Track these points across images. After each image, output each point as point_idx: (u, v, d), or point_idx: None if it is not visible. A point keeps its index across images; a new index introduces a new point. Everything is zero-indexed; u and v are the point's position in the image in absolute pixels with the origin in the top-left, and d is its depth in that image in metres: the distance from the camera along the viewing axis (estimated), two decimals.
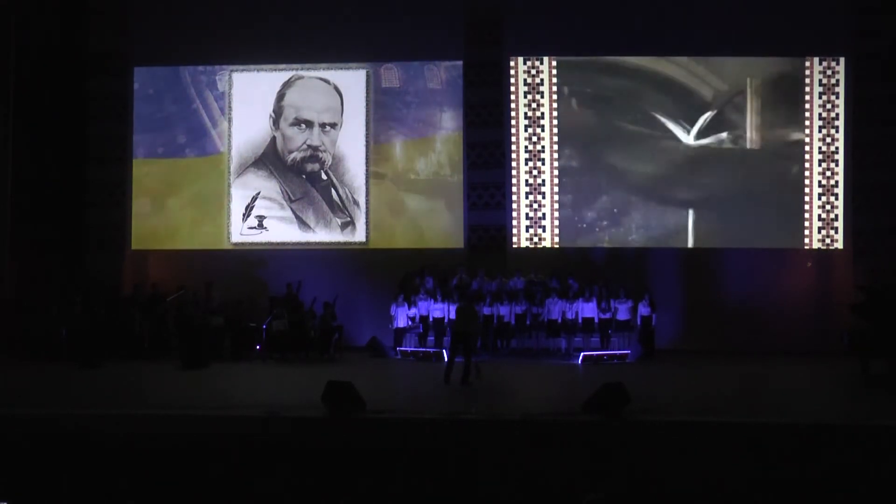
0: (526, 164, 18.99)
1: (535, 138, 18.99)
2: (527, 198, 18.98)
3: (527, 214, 18.99)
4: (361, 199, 19.22)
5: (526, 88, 19.03)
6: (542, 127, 18.98)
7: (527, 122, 19.02)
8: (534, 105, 18.99)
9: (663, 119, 18.84)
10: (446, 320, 16.88)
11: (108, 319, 16.89)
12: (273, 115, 19.41)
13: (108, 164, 19.14)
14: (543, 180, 18.94)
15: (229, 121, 19.47)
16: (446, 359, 16.45)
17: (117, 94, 19.30)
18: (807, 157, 18.70)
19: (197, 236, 19.44)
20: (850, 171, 18.50)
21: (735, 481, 9.02)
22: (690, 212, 18.76)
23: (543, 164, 18.96)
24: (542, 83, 19.00)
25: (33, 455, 9.58)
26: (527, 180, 18.99)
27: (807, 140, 18.71)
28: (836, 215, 18.62)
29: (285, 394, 12.77)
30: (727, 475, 9.14)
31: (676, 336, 18.08)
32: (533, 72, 19.02)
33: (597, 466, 9.36)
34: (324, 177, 19.29)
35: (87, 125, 19.15)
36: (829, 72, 18.71)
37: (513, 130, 18.98)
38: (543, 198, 18.94)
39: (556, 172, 18.92)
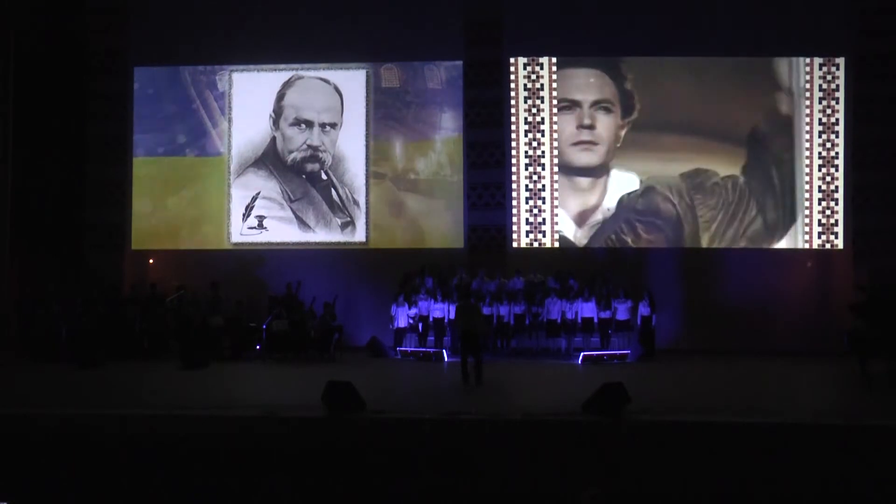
0: (526, 168, 18.98)
1: (535, 143, 18.99)
2: (527, 203, 18.97)
3: (527, 220, 18.97)
4: (361, 199, 19.22)
5: (526, 93, 19.02)
6: (543, 132, 18.97)
7: (527, 126, 19.01)
8: (534, 110, 18.99)
9: (662, 119, 18.82)
10: (446, 320, 16.89)
11: (108, 319, 16.89)
12: (273, 115, 19.41)
13: (108, 164, 19.16)
14: (544, 185, 18.94)
15: (229, 121, 19.47)
16: (446, 359, 16.52)
17: (117, 94, 19.31)
18: (807, 161, 18.69)
19: (197, 236, 19.43)
20: (850, 171, 18.50)
21: (735, 481, 9.02)
22: (691, 212, 18.76)
23: (543, 169, 18.95)
24: (542, 88, 18.99)
25: (33, 455, 9.57)
26: (527, 185, 18.98)
27: (807, 144, 18.70)
28: (836, 220, 18.60)
29: (285, 394, 12.76)
30: (727, 475, 9.14)
31: (676, 336, 18.07)
32: (533, 76, 19.01)
33: (597, 466, 9.36)
34: (324, 177, 19.29)
35: (87, 125, 19.18)
36: (829, 76, 18.69)
37: (513, 135, 18.98)
38: (543, 203, 18.93)
39: (555, 178, 18.92)
